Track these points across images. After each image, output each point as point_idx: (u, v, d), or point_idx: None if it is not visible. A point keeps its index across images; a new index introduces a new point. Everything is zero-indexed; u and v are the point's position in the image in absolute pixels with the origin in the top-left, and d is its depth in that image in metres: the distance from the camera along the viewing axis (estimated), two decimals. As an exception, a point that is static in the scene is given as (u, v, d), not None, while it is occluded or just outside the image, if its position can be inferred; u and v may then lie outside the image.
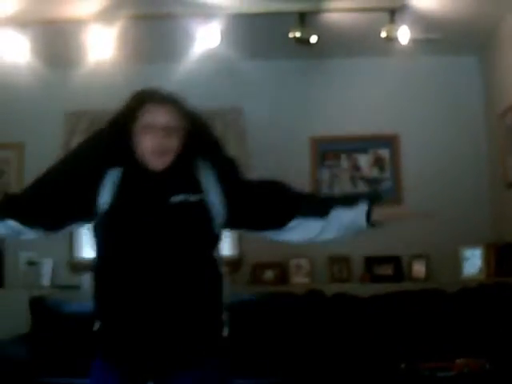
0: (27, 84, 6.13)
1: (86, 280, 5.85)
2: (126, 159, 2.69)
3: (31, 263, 5.97)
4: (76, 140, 6.11)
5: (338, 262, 6.00)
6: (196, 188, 2.70)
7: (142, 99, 2.71)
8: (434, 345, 5.14)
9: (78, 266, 6.09)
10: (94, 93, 6.07)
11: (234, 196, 2.75)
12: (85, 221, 2.71)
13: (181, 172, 2.70)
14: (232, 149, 5.87)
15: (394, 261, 5.99)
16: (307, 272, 5.97)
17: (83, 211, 2.65)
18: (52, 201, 2.66)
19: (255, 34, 5.52)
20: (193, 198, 2.67)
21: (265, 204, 2.80)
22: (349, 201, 2.80)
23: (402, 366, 4.76)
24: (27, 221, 2.67)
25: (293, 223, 2.77)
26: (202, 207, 2.68)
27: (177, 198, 2.65)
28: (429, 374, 4.70)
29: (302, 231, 2.79)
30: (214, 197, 2.72)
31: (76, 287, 5.90)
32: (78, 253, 6.22)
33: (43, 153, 6.08)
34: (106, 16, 5.12)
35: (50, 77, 6.17)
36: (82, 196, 2.64)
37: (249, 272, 6.03)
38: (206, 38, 5.35)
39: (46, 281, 6.06)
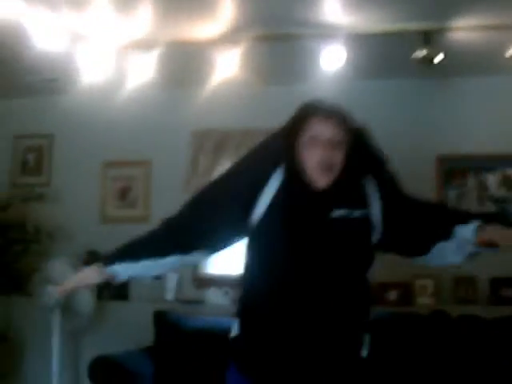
0: (155, 103, 6.31)
1: (210, 295, 5.94)
2: (288, 172, 2.64)
3: (156, 277, 6.08)
4: (202, 158, 6.23)
5: (464, 283, 5.87)
6: (360, 202, 2.65)
7: (307, 113, 2.69)
8: None
9: (202, 281, 6.17)
10: (219, 112, 6.17)
11: (392, 216, 2.70)
12: (242, 235, 2.70)
13: (344, 188, 2.62)
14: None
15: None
16: (432, 292, 5.86)
17: (241, 224, 2.64)
18: (212, 221, 2.66)
19: (378, 53, 5.48)
20: (356, 213, 2.62)
21: (415, 230, 2.73)
22: (466, 217, 2.70)
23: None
24: (188, 250, 2.70)
25: (434, 249, 2.70)
26: (366, 223, 2.65)
27: (338, 213, 2.59)
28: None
29: (440, 257, 2.74)
30: (376, 213, 2.67)
31: (200, 302, 5.99)
32: (203, 268, 6.29)
33: (169, 170, 6.27)
34: (231, 37, 5.18)
35: (176, 96, 6.35)
36: (242, 207, 2.62)
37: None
38: (329, 59, 5.34)
39: (170, 295, 6.15)
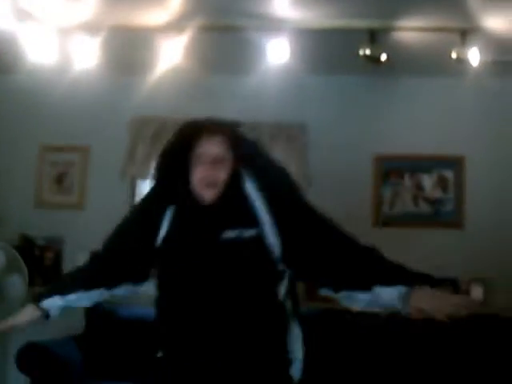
0: (95, 89, 6.22)
1: (144, 286, 5.90)
2: (181, 192, 2.69)
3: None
4: (141, 147, 6.17)
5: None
6: (250, 220, 2.60)
7: (193, 131, 2.71)
8: (492, 373, 5.08)
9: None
10: (160, 100, 6.13)
11: (287, 228, 2.62)
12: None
13: (232, 203, 2.63)
14: (294, 164, 5.86)
15: (452, 283, 5.87)
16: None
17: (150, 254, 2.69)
18: (133, 251, 2.75)
19: (323, 49, 5.51)
20: (247, 233, 2.57)
21: (321, 257, 2.59)
22: (394, 278, 2.50)
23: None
24: (112, 284, 2.80)
25: (345, 293, 2.54)
26: (258, 244, 2.58)
27: (228, 234, 2.56)
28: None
29: (352, 302, 2.56)
30: (269, 228, 2.59)
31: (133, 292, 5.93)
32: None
33: (107, 158, 6.21)
34: (176, 25, 5.15)
35: (117, 83, 6.28)
36: (151, 238, 2.68)
37: (303, 289, 5.99)
38: (275, 52, 5.34)
39: (103, 283, 6.07)
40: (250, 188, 2.67)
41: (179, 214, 2.69)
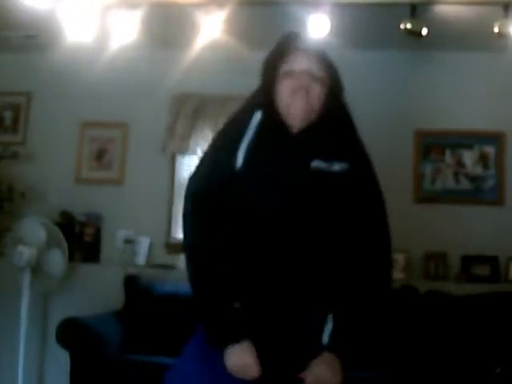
0: (135, 65, 6.21)
1: (182, 260, 5.92)
2: (264, 111, 2.48)
3: (128, 241, 6.06)
4: (180, 122, 6.17)
5: (435, 259, 5.90)
6: (339, 154, 2.44)
7: (284, 46, 2.54)
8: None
9: (174, 247, 6.11)
10: (200, 76, 6.11)
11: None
12: None
13: (323, 132, 2.44)
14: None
15: (492, 261, 5.85)
16: (402, 267, 5.88)
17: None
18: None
19: (363, 23, 5.45)
20: (336, 166, 2.42)
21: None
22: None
23: (498, 370, 4.66)
24: None
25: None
26: (345, 180, 2.43)
27: (317, 164, 2.40)
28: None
29: None
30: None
31: (171, 267, 5.97)
32: (176, 233, 6.25)
33: (147, 134, 6.23)
34: (216, 0, 5.13)
35: (157, 58, 6.26)
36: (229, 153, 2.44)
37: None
38: (315, 27, 5.31)
39: (141, 259, 6.12)
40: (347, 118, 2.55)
41: (263, 133, 2.45)
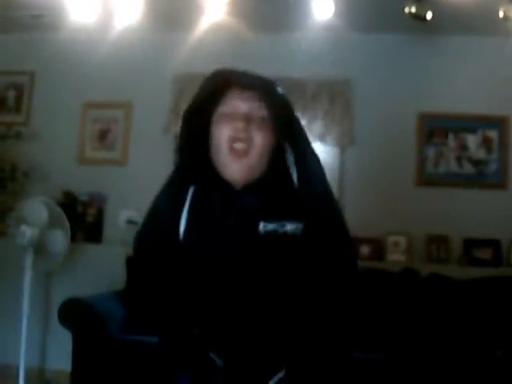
0: (138, 45, 6.24)
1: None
2: (202, 166, 2.20)
3: (131, 221, 6.06)
4: (184, 103, 6.15)
5: (437, 242, 5.91)
6: (292, 213, 2.14)
7: (218, 84, 2.22)
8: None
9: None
10: (204, 57, 6.09)
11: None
12: None
13: (271, 186, 2.15)
14: (337, 120, 5.86)
15: (494, 244, 5.86)
16: (404, 250, 5.90)
17: None
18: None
19: (368, 6, 5.44)
20: (290, 227, 2.12)
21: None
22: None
23: (498, 353, 4.69)
24: None
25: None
26: (297, 242, 2.14)
27: (268, 227, 2.11)
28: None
29: None
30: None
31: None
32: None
33: (150, 114, 6.24)
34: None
35: (161, 39, 6.28)
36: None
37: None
38: (319, 9, 5.32)
39: (144, 240, 6.09)
40: (291, 165, 2.19)
41: (200, 197, 2.21)
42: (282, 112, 2.16)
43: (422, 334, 5.11)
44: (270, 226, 2.10)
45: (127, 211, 6.08)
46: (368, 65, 6.07)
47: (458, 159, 6.07)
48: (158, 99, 6.26)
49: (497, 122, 6.05)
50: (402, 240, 5.89)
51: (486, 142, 6.07)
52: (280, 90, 2.21)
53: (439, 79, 6.11)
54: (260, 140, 2.11)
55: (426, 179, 6.06)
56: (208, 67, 6.12)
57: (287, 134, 2.17)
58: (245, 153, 2.10)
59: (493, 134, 6.06)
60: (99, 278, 5.87)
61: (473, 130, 6.08)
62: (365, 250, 5.87)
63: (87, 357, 4.93)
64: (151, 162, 6.19)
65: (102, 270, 5.97)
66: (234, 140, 2.11)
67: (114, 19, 5.70)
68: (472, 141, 6.08)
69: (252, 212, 2.12)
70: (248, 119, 2.11)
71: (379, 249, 5.95)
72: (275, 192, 2.14)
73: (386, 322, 5.23)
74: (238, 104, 2.13)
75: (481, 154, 6.06)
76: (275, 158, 2.16)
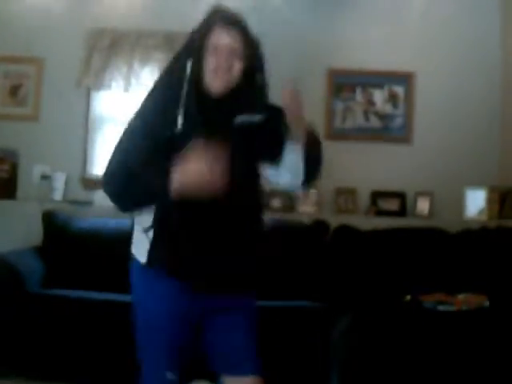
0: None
1: (98, 196, 5.96)
2: (189, 79, 2.74)
3: (44, 177, 6.06)
4: (96, 58, 6.14)
5: (345, 194, 6.10)
6: (260, 107, 2.80)
7: (210, 21, 2.79)
8: (436, 281, 5.28)
9: (90, 183, 6.14)
10: (115, 10, 6.13)
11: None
12: None
13: (242, 96, 2.77)
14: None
15: (400, 196, 6.09)
16: (314, 202, 6.06)
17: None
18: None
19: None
20: (257, 117, 2.78)
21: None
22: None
23: (407, 298, 4.91)
24: None
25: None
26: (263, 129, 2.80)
27: (239, 119, 2.75)
28: (431, 306, 4.85)
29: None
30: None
31: (88, 203, 6.04)
32: (91, 169, 6.30)
33: (62, 69, 6.18)
34: None
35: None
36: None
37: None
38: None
39: (58, 195, 6.11)
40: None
41: (189, 100, 2.73)
42: (252, 43, 2.82)
43: (335, 284, 5.31)
44: (243, 118, 2.75)
45: (40, 166, 6.08)
46: (276, 23, 6.12)
47: (365, 113, 6.24)
48: (70, 55, 6.18)
49: (403, 78, 6.24)
50: (312, 193, 6.04)
51: (393, 97, 6.25)
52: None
53: (348, 36, 6.24)
54: (237, 65, 2.74)
55: (335, 133, 6.22)
56: (119, 21, 6.14)
57: (254, 59, 2.82)
58: (224, 73, 2.73)
59: (399, 90, 6.25)
60: (16, 233, 5.85)
61: (380, 86, 6.26)
62: (276, 202, 6.01)
63: (7, 313, 4.90)
64: (64, 117, 6.18)
65: (18, 225, 5.94)
66: (218, 66, 2.72)
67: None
68: (379, 96, 6.26)
69: (228, 111, 2.76)
70: (229, 50, 2.73)
71: (290, 201, 6.11)
72: (243, 96, 2.78)
73: (299, 272, 5.42)
74: (222, 37, 2.74)
75: (387, 108, 6.25)
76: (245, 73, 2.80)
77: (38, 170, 6.09)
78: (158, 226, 2.72)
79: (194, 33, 2.83)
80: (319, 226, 5.69)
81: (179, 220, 2.69)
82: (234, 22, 2.78)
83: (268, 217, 5.62)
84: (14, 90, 6.32)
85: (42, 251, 5.60)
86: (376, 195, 6.09)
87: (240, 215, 2.75)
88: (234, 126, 2.74)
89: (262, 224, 2.92)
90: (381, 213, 6.04)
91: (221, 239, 2.71)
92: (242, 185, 2.72)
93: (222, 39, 2.74)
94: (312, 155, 2.90)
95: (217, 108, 2.75)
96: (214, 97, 2.75)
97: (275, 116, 2.79)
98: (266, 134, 2.82)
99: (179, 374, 2.76)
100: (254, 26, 5.53)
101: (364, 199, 6.13)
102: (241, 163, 2.72)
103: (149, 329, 2.79)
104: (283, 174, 2.90)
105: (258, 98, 2.84)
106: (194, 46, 2.78)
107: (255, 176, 2.87)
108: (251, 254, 2.84)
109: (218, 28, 2.75)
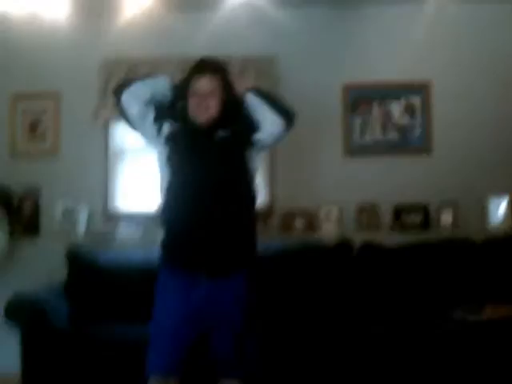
0: (64, 33, 6.21)
1: (121, 228, 5.97)
2: (181, 116, 3.71)
3: (67, 212, 6.05)
4: (111, 88, 6.16)
5: (367, 210, 6.08)
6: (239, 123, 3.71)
7: (190, 73, 3.69)
8: (464, 293, 5.28)
9: (112, 216, 6.22)
10: (130, 41, 6.15)
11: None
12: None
13: (222, 122, 3.65)
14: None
15: (423, 209, 6.05)
16: (336, 220, 6.05)
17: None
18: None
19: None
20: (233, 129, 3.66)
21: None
22: None
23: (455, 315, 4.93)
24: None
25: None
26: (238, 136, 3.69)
27: (220, 134, 3.63)
28: (460, 317, 4.83)
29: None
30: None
31: (111, 235, 6.06)
32: (113, 202, 6.31)
33: (79, 102, 6.21)
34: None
35: (87, 26, 6.29)
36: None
37: (279, 220, 6.13)
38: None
39: (81, 229, 6.12)
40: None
41: (182, 130, 3.68)
42: (227, 82, 3.73)
43: (363, 302, 5.32)
44: (222, 133, 3.65)
45: (62, 201, 6.09)
46: (291, 40, 6.15)
47: (383, 127, 6.22)
48: (86, 87, 6.24)
49: (419, 88, 6.22)
50: (334, 209, 6.03)
51: (410, 108, 6.23)
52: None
53: (361, 50, 6.25)
54: (214, 102, 3.64)
55: (353, 149, 6.22)
56: (134, 51, 6.17)
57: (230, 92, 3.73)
58: (205, 109, 3.62)
59: (416, 100, 6.23)
60: (40, 270, 5.85)
61: (396, 97, 6.24)
62: (299, 223, 6.01)
63: (37, 351, 4.90)
64: (83, 150, 6.21)
65: (42, 262, 5.95)
66: (198, 106, 3.63)
67: (40, 8, 5.67)
68: (396, 108, 6.24)
69: (212, 133, 3.65)
70: (205, 94, 3.63)
71: (312, 220, 6.10)
72: (224, 121, 3.66)
73: (323, 293, 5.40)
74: (199, 85, 3.65)
75: (405, 120, 6.23)
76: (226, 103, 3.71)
77: (59, 205, 6.11)
78: (166, 235, 3.67)
79: (181, 80, 3.74)
80: (343, 246, 5.68)
81: (179, 229, 3.59)
82: (211, 70, 3.68)
83: (292, 238, 5.71)
84: (33, 127, 6.36)
85: (67, 287, 5.58)
86: (399, 209, 6.05)
87: (227, 210, 3.53)
88: (216, 140, 3.61)
89: (249, 216, 3.69)
90: (404, 226, 6.01)
91: (213, 235, 3.50)
92: (226, 185, 3.56)
93: (200, 85, 3.63)
94: (264, 95, 3.74)
95: (202, 132, 3.63)
96: (200, 125, 3.64)
97: (246, 124, 3.69)
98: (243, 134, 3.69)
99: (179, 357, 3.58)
100: (269, 45, 5.68)
101: (387, 213, 6.10)
102: (224, 164, 3.59)
103: (161, 313, 3.61)
104: (264, 129, 3.67)
105: (235, 118, 3.68)
106: (182, 91, 3.70)
107: (239, 176, 3.65)
108: (239, 241, 3.60)
109: (196, 76, 3.66)
